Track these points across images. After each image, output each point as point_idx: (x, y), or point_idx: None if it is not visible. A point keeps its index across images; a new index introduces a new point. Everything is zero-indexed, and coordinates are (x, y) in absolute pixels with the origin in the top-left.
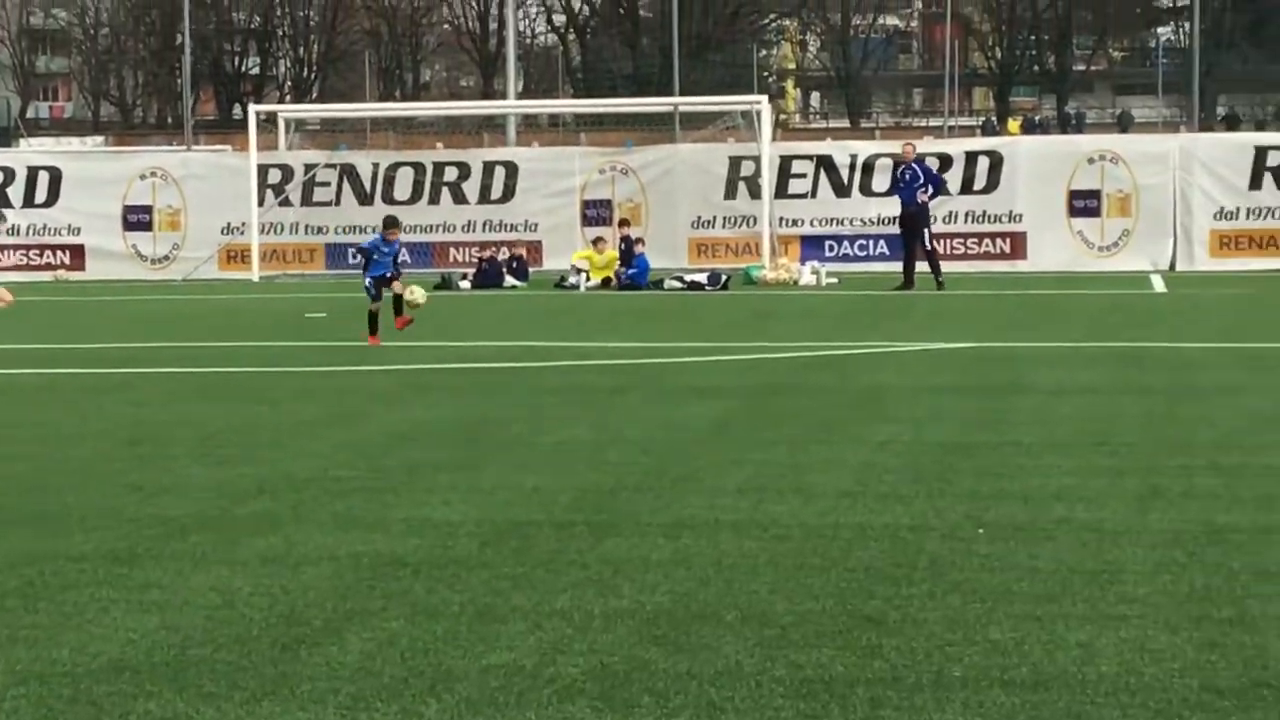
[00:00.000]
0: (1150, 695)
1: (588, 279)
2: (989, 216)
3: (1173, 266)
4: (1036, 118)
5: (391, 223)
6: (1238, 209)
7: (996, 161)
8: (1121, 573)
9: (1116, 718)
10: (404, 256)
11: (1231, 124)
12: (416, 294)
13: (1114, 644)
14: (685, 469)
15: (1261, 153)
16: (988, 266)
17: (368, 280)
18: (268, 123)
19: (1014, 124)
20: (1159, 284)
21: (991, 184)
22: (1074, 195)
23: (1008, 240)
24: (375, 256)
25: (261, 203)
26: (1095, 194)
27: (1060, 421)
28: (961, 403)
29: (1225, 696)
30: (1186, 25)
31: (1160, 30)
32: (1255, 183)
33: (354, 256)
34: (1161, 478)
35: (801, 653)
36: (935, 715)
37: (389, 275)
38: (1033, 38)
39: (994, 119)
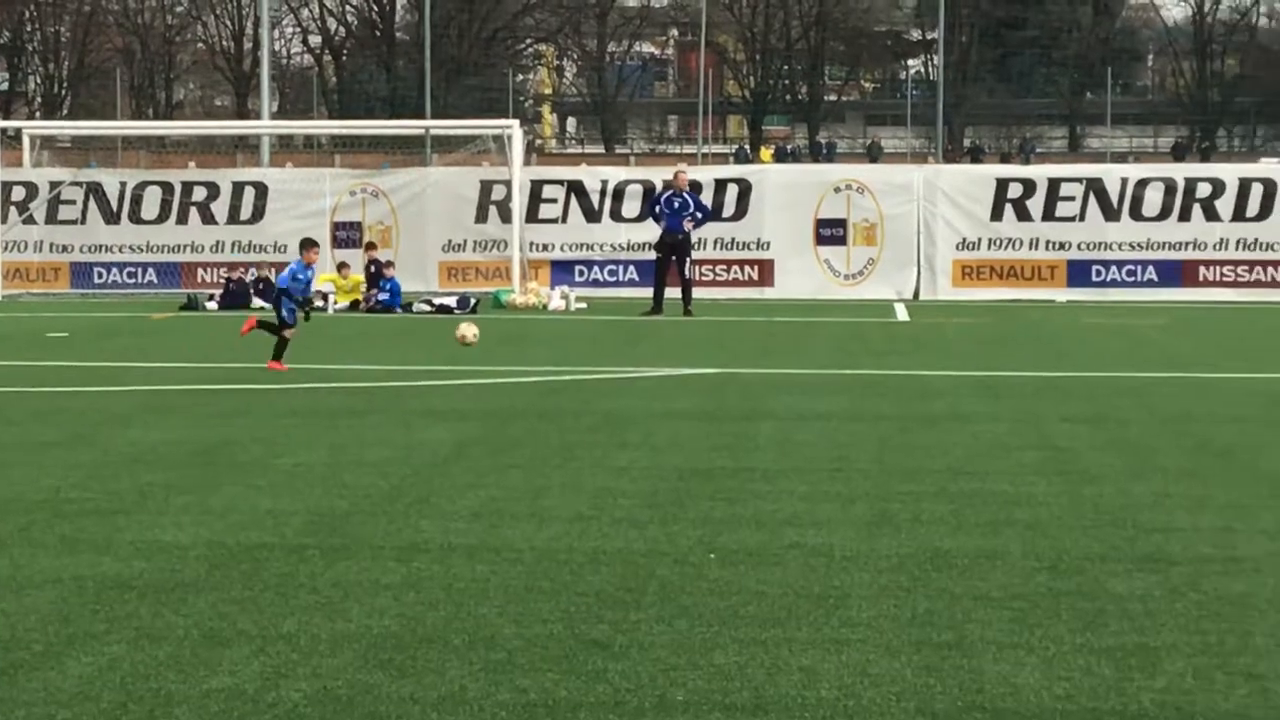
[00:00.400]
0: (867, 719)
1: (334, 302)
2: (737, 244)
3: (916, 295)
4: (789, 146)
5: (309, 243)
6: (979, 239)
7: (745, 189)
8: (847, 597)
9: None
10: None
11: (975, 155)
12: (470, 333)
13: (835, 668)
14: (422, 492)
15: (1003, 184)
16: (735, 293)
17: (285, 312)
18: (13, 139)
19: (766, 152)
20: (902, 312)
21: (740, 211)
22: (821, 224)
23: (755, 267)
24: (291, 285)
25: (4, 220)
26: (841, 223)
27: (797, 447)
28: (702, 428)
29: (940, 719)
30: (935, 59)
31: (910, 63)
32: (997, 214)
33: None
34: (892, 504)
35: (526, 677)
36: None
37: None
38: (785, 67)
39: (747, 147)
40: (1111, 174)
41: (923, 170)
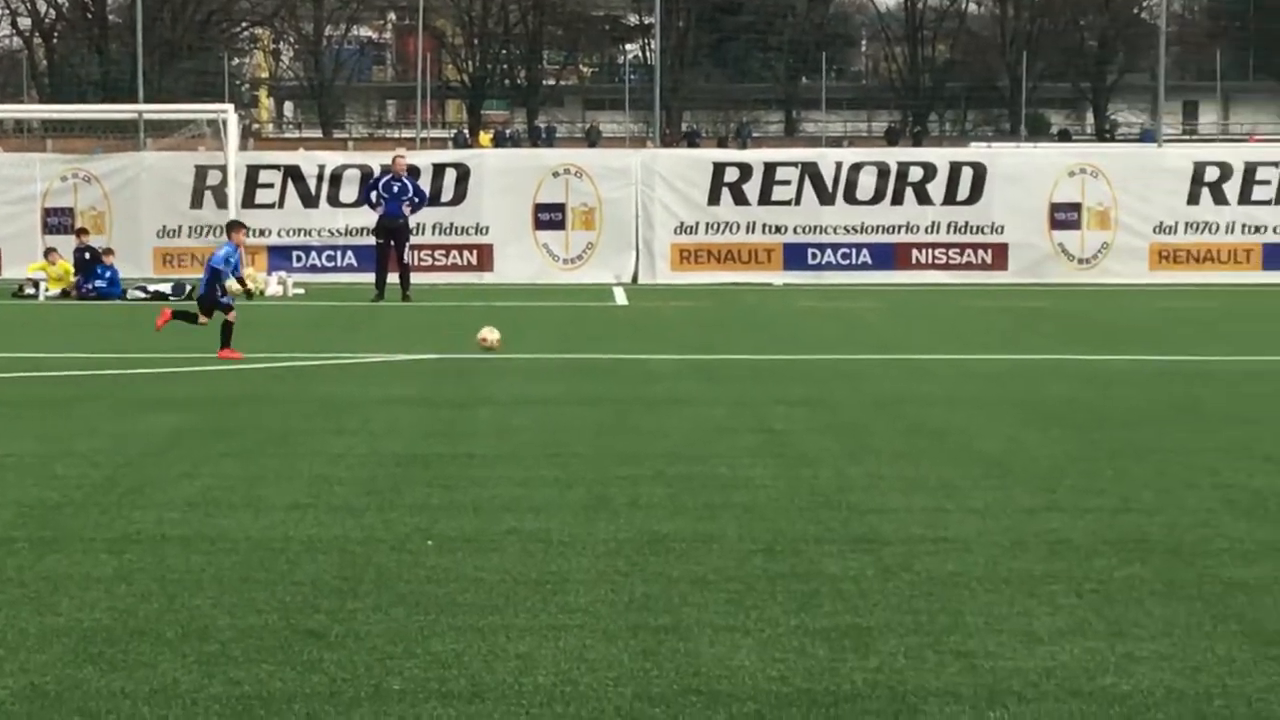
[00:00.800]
0: (584, 705)
1: (46, 289)
2: (456, 228)
3: (635, 279)
4: (508, 131)
5: (237, 225)
6: (697, 223)
7: (464, 174)
8: (565, 583)
9: None
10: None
11: (693, 140)
12: (493, 337)
13: (553, 654)
14: (135, 482)
15: (720, 168)
16: (454, 278)
17: (227, 296)
18: None
19: (485, 137)
20: (621, 296)
21: (459, 196)
22: (539, 208)
23: (474, 252)
24: (222, 269)
25: None
26: (560, 207)
27: (515, 433)
28: (419, 414)
29: (657, 703)
30: (652, 43)
31: (628, 47)
32: (714, 198)
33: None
34: (609, 488)
35: (240, 668)
36: None
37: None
38: (504, 51)
39: (466, 131)
40: (826, 158)
41: (640, 155)
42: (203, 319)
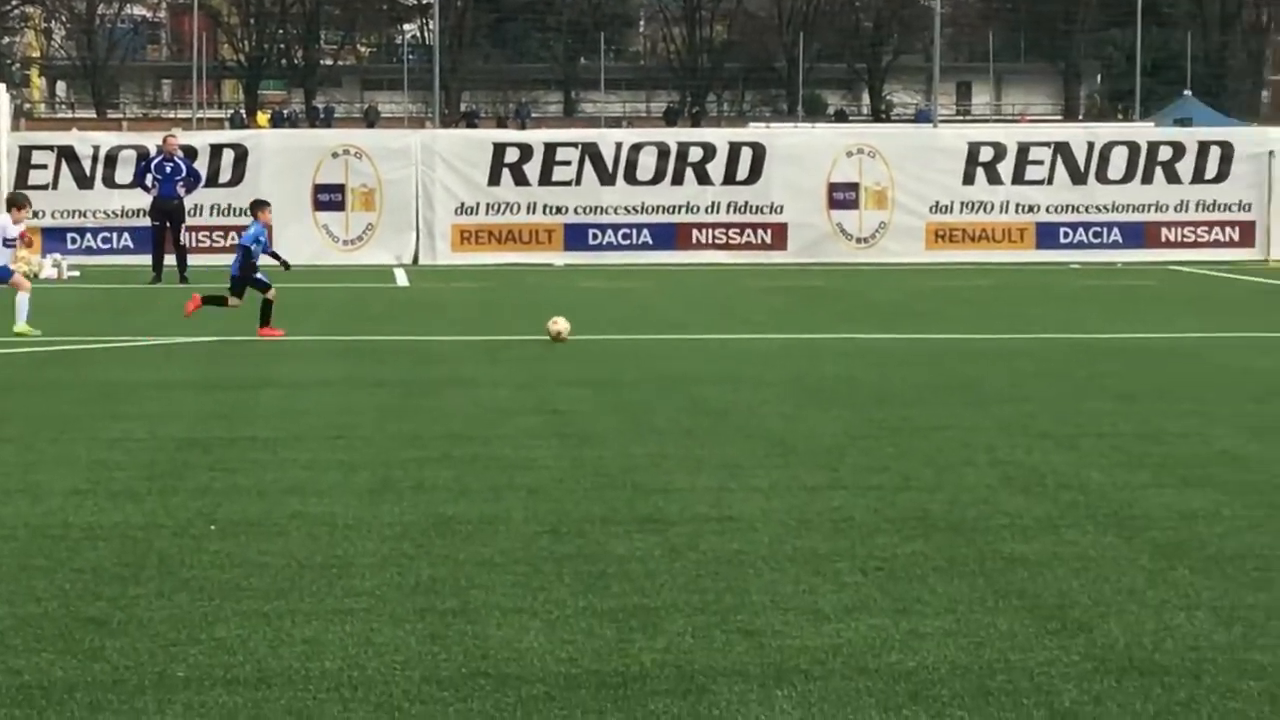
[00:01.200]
0: (372, 689)
1: None
2: (235, 210)
3: (416, 260)
4: (285, 111)
5: (263, 204)
6: (478, 204)
7: (242, 155)
8: (351, 566)
9: (338, 713)
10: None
11: (472, 120)
12: (563, 327)
13: (339, 638)
14: None
15: (500, 149)
16: (229, 260)
17: (261, 274)
18: None
19: (263, 117)
20: (402, 278)
21: (237, 177)
22: (319, 189)
23: None
24: (253, 248)
25: None
26: (340, 188)
27: (297, 415)
28: (199, 397)
29: (445, 687)
30: (431, 23)
31: (406, 27)
32: (494, 179)
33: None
34: (394, 470)
35: (20, 658)
36: (156, 717)
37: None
38: (281, 31)
39: (243, 112)
40: (606, 139)
41: (420, 135)
42: (233, 301)
